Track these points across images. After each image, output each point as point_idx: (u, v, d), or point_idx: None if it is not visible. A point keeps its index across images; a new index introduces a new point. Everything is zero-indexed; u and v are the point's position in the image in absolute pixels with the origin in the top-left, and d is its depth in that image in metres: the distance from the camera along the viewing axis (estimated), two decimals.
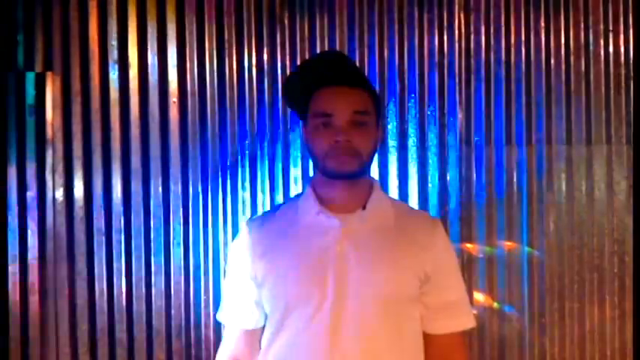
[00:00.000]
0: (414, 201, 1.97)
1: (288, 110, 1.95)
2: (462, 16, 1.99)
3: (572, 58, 2.01)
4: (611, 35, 2.02)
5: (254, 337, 1.35)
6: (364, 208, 1.27)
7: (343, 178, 1.23)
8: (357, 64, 1.95)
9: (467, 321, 1.32)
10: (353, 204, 1.27)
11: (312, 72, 1.26)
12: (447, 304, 1.29)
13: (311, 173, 1.95)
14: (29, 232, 1.92)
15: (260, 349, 1.32)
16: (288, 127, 1.95)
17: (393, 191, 1.96)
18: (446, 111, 1.98)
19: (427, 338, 1.30)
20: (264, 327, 1.33)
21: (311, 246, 1.24)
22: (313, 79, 1.24)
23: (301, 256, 1.23)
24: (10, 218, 1.92)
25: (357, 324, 1.19)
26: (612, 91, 2.02)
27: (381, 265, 1.22)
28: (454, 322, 1.31)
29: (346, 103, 1.20)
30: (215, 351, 1.94)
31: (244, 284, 1.31)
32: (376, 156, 1.94)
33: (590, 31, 2.02)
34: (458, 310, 1.31)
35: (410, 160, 1.98)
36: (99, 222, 1.93)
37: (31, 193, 1.92)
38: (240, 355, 1.36)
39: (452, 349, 1.31)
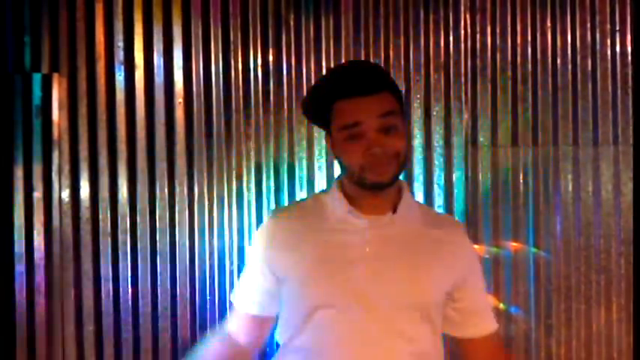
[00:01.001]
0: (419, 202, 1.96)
1: (294, 111, 1.95)
2: (467, 16, 1.99)
3: (578, 58, 2.00)
4: (617, 35, 2.01)
5: (258, 324, 1.34)
6: (395, 211, 1.25)
7: (382, 189, 1.20)
8: None
9: (493, 325, 1.36)
10: (383, 206, 1.24)
11: (330, 86, 1.22)
12: (475, 309, 1.31)
13: (316, 175, 1.95)
14: (35, 232, 1.93)
15: (262, 337, 1.35)
16: (294, 128, 1.95)
17: None
18: (452, 112, 1.98)
19: (468, 344, 1.32)
20: (270, 318, 1.33)
21: (338, 244, 1.22)
22: (331, 93, 1.20)
23: (327, 254, 1.21)
24: (16, 219, 1.93)
25: (381, 328, 1.18)
26: (619, 92, 2.01)
27: (409, 270, 1.20)
28: (481, 327, 1.33)
29: (370, 109, 1.16)
30: None
31: (261, 273, 1.30)
32: None
33: (597, 30, 2.01)
34: (483, 315, 1.34)
35: (415, 160, 1.97)
36: (105, 223, 1.94)
37: (38, 194, 1.93)
38: (239, 337, 1.35)
39: (496, 346, 1.36)
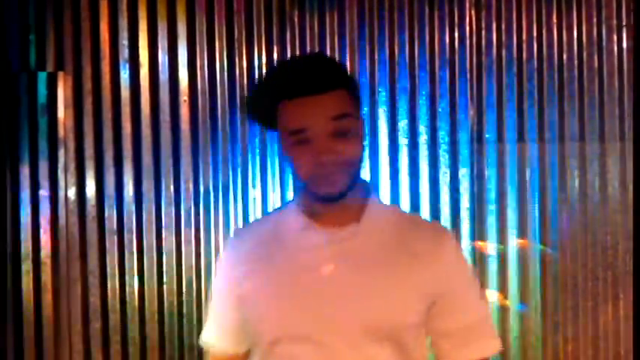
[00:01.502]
0: (425, 199, 1.96)
1: None
2: (473, 12, 1.98)
3: (584, 54, 1.99)
4: (624, 30, 2.00)
5: None
6: (359, 221, 1.09)
7: (336, 200, 1.05)
8: (367, 61, 1.95)
9: (491, 345, 1.13)
10: (345, 217, 1.09)
11: (275, 84, 1.05)
12: (465, 328, 1.10)
13: None
14: (42, 230, 1.93)
15: None
16: None
17: (404, 189, 1.95)
18: (457, 108, 1.97)
19: None
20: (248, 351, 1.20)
21: (295, 267, 1.07)
22: (277, 92, 1.04)
23: (284, 280, 1.07)
24: (22, 217, 1.93)
25: (348, 356, 1.03)
26: (626, 87, 1.99)
27: (377, 288, 1.04)
28: (476, 348, 1.11)
29: (319, 112, 1.00)
30: None
31: (228, 305, 1.18)
32: (386, 155, 1.95)
33: (603, 26, 2.00)
34: (478, 334, 1.11)
35: (421, 157, 1.97)
36: (110, 220, 1.94)
37: (44, 192, 1.94)
38: None
39: None
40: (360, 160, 1.06)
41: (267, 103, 1.06)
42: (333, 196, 1.03)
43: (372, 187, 1.17)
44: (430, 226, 1.18)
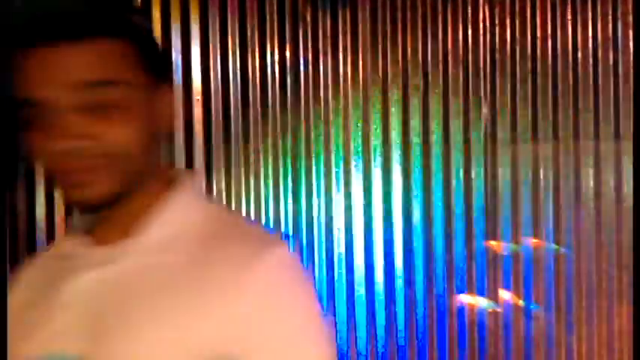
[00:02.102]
0: (437, 199, 1.95)
1: (311, 107, 1.94)
2: (486, 9, 1.97)
3: (600, 51, 1.97)
4: None
5: None
6: (134, 235, 0.73)
7: (96, 211, 0.71)
8: (380, 59, 1.94)
9: None
10: (121, 229, 0.73)
11: (6, 25, 0.69)
12: None
13: (333, 172, 1.94)
14: (56, 229, 1.95)
15: None
16: (311, 123, 1.95)
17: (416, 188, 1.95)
18: (470, 106, 1.96)
19: None
20: None
21: (41, 312, 0.74)
22: (6, 37, 0.69)
23: (29, 327, 0.75)
24: (37, 216, 1.95)
25: None
26: None
27: (133, 343, 0.67)
28: None
29: (60, 72, 0.64)
30: None
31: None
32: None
33: (619, 22, 1.98)
34: None
35: (433, 156, 1.96)
36: None
37: (59, 193, 1.95)
38: None
39: None
40: (138, 150, 0.69)
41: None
42: (88, 204, 0.69)
43: (171, 183, 0.76)
44: (244, 239, 0.73)
